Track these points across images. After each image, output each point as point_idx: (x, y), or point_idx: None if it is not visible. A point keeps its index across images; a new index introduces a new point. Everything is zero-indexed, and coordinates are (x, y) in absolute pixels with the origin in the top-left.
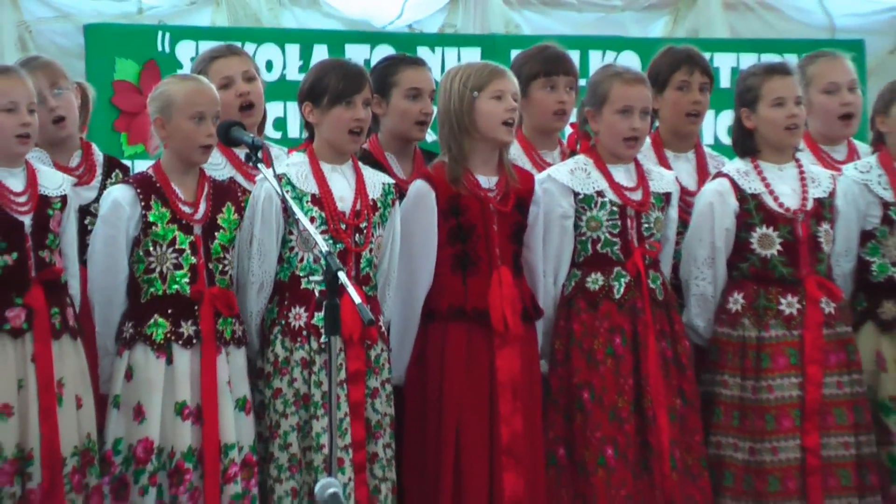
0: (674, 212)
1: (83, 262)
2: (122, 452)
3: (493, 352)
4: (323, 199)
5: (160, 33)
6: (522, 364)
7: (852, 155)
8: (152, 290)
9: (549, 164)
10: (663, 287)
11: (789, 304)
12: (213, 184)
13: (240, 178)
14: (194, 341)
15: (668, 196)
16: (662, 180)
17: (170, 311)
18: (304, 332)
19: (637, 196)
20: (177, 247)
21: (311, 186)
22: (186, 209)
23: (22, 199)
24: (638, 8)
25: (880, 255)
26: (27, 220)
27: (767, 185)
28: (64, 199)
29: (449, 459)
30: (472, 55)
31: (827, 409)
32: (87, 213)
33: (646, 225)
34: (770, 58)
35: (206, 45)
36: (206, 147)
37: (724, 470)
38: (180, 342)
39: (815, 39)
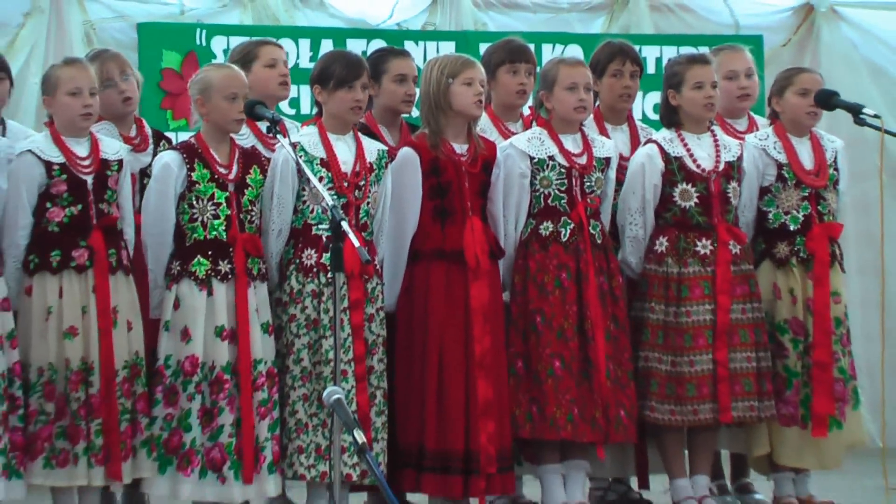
0: (612, 173)
1: (139, 213)
2: (172, 367)
3: (467, 284)
4: (329, 163)
5: (198, 30)
6: (490, 294)
7: (752, 126)
8: (195, 235)
9: (514, 133)
10: (602, 233)
11: (704, 246)
12: (242, 150)
13: (260, 147)
14: (229, 277)
15: (608, 160)
16: (604, 147)
17: (209, 253)
18: (315, 269)
19: (582, 160)
20: (215, 201)
21: (320, 152)
22: (223, 170)
23: (86, 163)
24: (581, 10)
25: (775, 206)
26: (90, 179)
27: (688, 150)
28: (121, 162)
29: (433, 371)
30: (448, 48)
31: (733, 330)
32: (143, 174)
33: (588, 183)
34: (687, 50)
35: (235, 40)
36: (238, 121)
37: (651, 379)
38: (218, 277)
39: (722, 35)
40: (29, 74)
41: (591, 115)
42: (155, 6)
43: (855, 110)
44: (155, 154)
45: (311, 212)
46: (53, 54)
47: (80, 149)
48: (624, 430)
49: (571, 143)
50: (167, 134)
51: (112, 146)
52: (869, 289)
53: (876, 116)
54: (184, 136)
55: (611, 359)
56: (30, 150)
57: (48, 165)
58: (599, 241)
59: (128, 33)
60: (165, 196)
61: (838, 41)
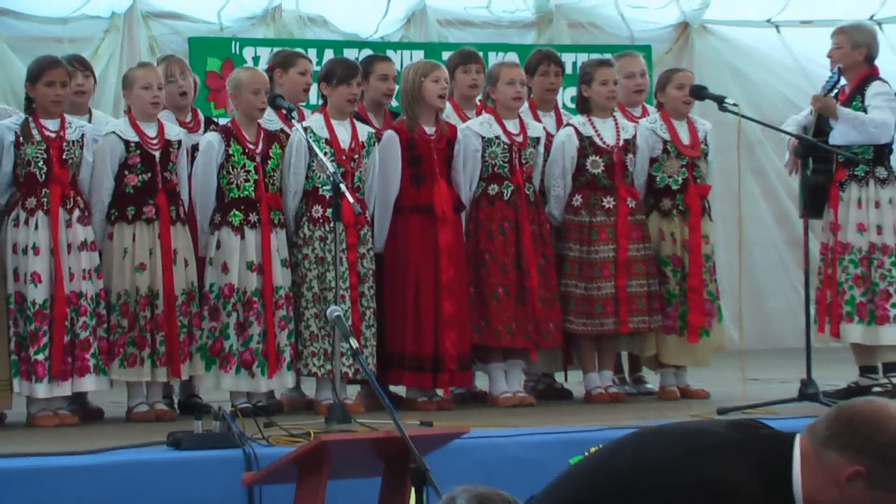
0: (541, 148)
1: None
2: (215, 292)
3: (436, 230)
4: (332, 141)
5: (233, 42)
6: (453, 237)
7: (644, 113)
8: (231, 194)
9: (470, 119)
10: (534, 193)
11: (608, 202)
12: (266, 131)
13: (285, 128)
14: (257, 225)
15: (538, 139)
16: (535, 129)
17: (242, 207)
18: (321, 220)
19: (519, 139)
20: (245, 169)
21: (324, 133)
22: (251, 146)
23: (154, 142)
24: (517, 26)
25: (661, 172)
26: (157, 154)
27: (596, 131)
28: (179, 142)
29: (410, 295)
30: (419, 55)
31: (630, 264)
32: (194, 149)
33: (524, 156)
34: (596, 56)
35: (261, 51)
36: (261, 109)
37: (570, 300)
38: (248, 225)
39: (622, 45)
40: (108, 76)
41: (526, 104)
42: (201, 24)
43: (719, 100)
44: (202, 134)
45: (318, 178)
46: (126, 61)
47: (150, 131)
48: (552, 339)
49: (512, 126)
50: (215, 121)
51: (173, 130)
52: (730, 233)
53: (735, 105)
54: (222, 122)
55: (541, 286)
56: (113, 132)
57: (127, 143)
58: (532, 199)
59: (181, 45)
60: (209, 166)
61: (707, 49)
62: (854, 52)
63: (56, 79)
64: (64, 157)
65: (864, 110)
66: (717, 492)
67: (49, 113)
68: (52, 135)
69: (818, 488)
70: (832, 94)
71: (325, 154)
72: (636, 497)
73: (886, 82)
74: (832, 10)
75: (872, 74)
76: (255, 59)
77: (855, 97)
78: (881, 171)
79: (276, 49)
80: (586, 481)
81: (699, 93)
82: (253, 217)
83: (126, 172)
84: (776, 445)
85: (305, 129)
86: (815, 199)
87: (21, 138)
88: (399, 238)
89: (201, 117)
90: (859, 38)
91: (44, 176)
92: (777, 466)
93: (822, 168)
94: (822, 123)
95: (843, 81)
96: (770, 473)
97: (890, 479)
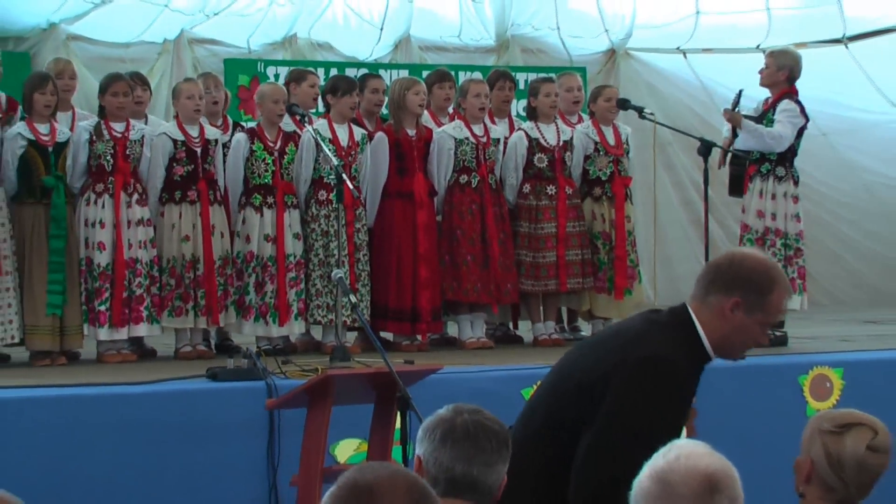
0: (501, 146)
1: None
2: (240, 258)
3: (415, 212)
4: (334, 140)
5: (259, 63)
6: (427, 217)
7: (580, 120)
8: (254, 181)
9: (444, 125)
10: (495, 182)
11: (551, 189)
12: (283, 132)
13: (298, 130)
14: (273, 206)
15: (498, 140)
16: (496, 131)
17: (262, 191)
18: (325, 202)
19: (484, 140)
20: (266, 162)
21: (328, 134)
22: (271, 144)
23: (196, 140)
24: (481, 51)
25: (593, 166)
26: (199, 150)
27: (541, 134)
28: (216, 141)
29: (394, 261)
30: (404, 73)
31: (568, 238)
32: (225, 146)
33: (487, 153)
34: (542, 75)
35: (282, 69)
36: (280, 115)
37: (521, 266)
38: (267, 206)
39: (563, 66)
40: (161, 89)
41: (487, 113)
42: (234, 48)
43: (639, 110)
44: (232, 135)
45: (324, 169)
46: (174, 77)
47: (193, 132)
48: (508, 296)
49: (478, 129)
50: (242, 124)
51: (212, 131)
52: (647, 214)
53: (651, 113)
54: (250, 125)
55: (501, 255)
56: (164, 133)
57: (175, 141)
58: (493, 187)
59: (217, 65)
60: (237, 159)
61: (629, 71)
62: (778, 72)
63: (120, 90)
64: (127, 152)
65: (771, 122)
66: (656, 363)
67: (116, 118)
68: (119, 135)
69: (716, 329)
70: (737, 108)
71: (329, 150)
72: (594, 390)
73: (797, 101)
74: (728, 41)
75: (790, 93)
76: (276, 76)
77: (771, 110)
78: (780, 171)
79: (291, 68)
80: (549, 391)
81: (623, 104)
82: (270, 200)
83: (174, 164)
84: (678, 317)
85: (315, 130)
86: (734, 185)
87: (94, 137)
88: (386, 217)
89: (230, 122)
90: (783, 62)
91: (110, 167)
92: (686, 331)
93: (739, 163)
94: (736, 131)
95: (758, 103)
96: (685, 338)
97: (761, 301)
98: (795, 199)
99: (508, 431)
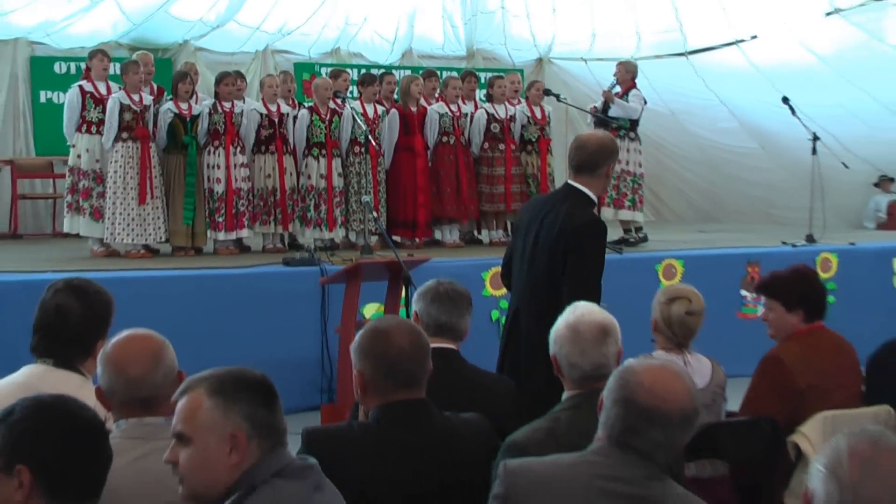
0: (468, 119)
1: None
2: (304, 188)
3: (416, 159)
4: (364, 114)
5: (315, 65)
6: (424, 163)
7: (519, 102)
8: (312, 140)
9: (432, 104)
10: (466, 141)
11: (501, 146)
12: (330, 109)
13: (338, 108)
14: (325, 155)
15: (467, 115)
16: (466, 109)
17: (318, 146)
18: (359, 153)
19: (458, 114)
20: (320, 127)
21: (360, 110)
22: (323, 116)
23: (275, 113)
24: (457, 58)
25: (527, 132)
26: (276, 120)
27: (496, 111)
28: (288, 114)
29: (401, 191)
30: (408, 72)
31: (512, 177)
32: (294, 118)
33: (460, 123)
34: (496, 73)
35: (329, 69)
36: (328, 98)
37: (482, 195)
38: (321, 156)
39: (509, 69)
40: (254, 82)
41: (460, 97)
42: (299, 56)
43: (556, 96)
44: (299, 111)
45: (358, 132)
46: (261, 73)
47: (273, 108)
48: (473, 214)
49: (454, 108)
50: (304, 104)
51: (285, 108)
52: (561, 162)
53: (564, 98)
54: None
55: (468, 188)
56: (255, 109)
57: (261, 114)
58: (464, 144)
59: (289, 66)
60: (302, 126)
61: (551, 72)
62: (627, 74)
63: (229, 83)
64: (233, 121)
65: (627, 101)
66: (599, 224)
67: (225, 99)
68: (227, 110)
69: (595, 189)
70: (613, 90)
71: (360, 120)
72: (558, 248)
73: (639, 90)
74: (612, 53)
75: (634, 85)
76: (326, 73)
77: (625, 95)
78: (631, 134)
79: (333, 68)
80: (519, 259)
81: (547, 92)
82: (323, 152)
83: (261, 129)
84: (574, 191)
85: (352, 108)
86: None
87: (212, 111)
88: (396, 163)
89: (296, 102)
90: (630, 68)
91: (222, 130)
92: (584, 197)
93: (606, 126)
94: (606, 106)
95: (617, 87)
96: (587, 201)
97: (611, 162)
98: (639, 152)
99: (471, 294)
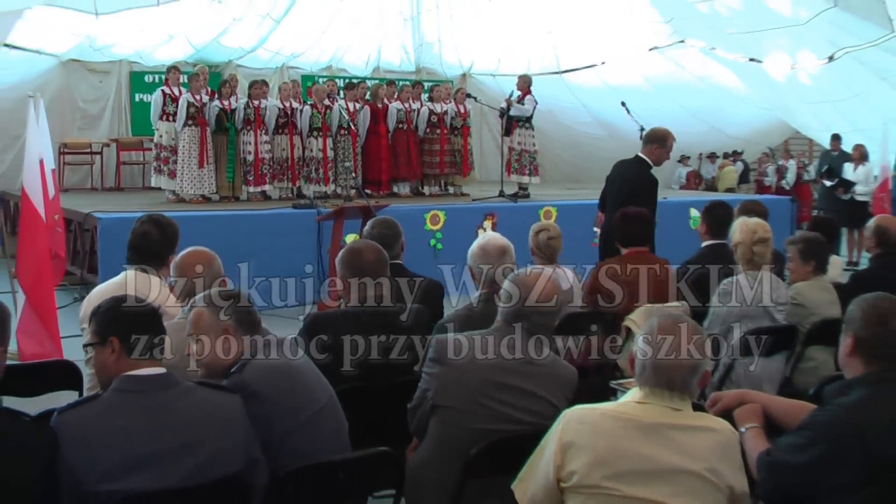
0: (416, 112)
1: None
2: (307, 157)
3: (380, 140)
4: (347, 109)
5: (315, 77)
6: (387, 142)
7: (450, 102)
8: (312, 126)
9: (393, 103)
10: (415, 128)
11: (438, 131)
12: (325, 106)
13: (330, 105)
14: (321, 136)
15: (416, 110)
16: (415, 106)
17: (316, 130)
18: (343, 135)
19: (409, 109)
20: (317, 118)
21: (345, 106)
22: (319, 110)
23: (288, 108)
24: (408, 73)
25: (454, 122)
26: (289, 112)
27: (434, 108)
28: (296, 108)
29: (372, 159)
30: (376, 82)
31: (445, 151)
32: (301, 112)
33: (411, 116)
34: (435, 83)
35: (323, 80)
36: (323, 98)
37: (425, 164)
38: (318, 136)
39: (444, 80)
40: (273, 87)
41: (411, 98)
42: (303, 70)
43: (475, 98)
44: (303, 106)
45: (344, 120)
46: (279, 82)
47: (287, 104)
48: (418, 175)
49: (407, 106)
50: (307, 101)
51: (295, 105)
52: (477, 143)
53: (478, 99)
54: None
55: (416, 158)
56: (275, 104)
57: (278, 108)
58: (414, 129)
59: (298, 77)
60: (306, 117)
61: (471, 83)
62: (525, 84)
63: (257, 88)
64: (260, 113)
65: (524, 104)
66: (653, 178)
67: (255, 99)
68: (256, 106)
69: (656, 159)
70: (512, 97)
71: (344, 113)
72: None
73: (533, 95)
74: (512, 69)
75: (529, 92)
76: (322, 81)
77: (523, 101)
78: (527, 125)
79: (325, 79)
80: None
81: (468, 95)
82: (320, 134)
83: (278, 118)
84: (640, 158)
85: (339, 105)
86: (507, 131)
87: (246, 107)
88: (368, 142)
89: (302, 101)
90: (527, 80)
91: (252, 119)
92: (647, 163)
93: (510, 120)
94: (509, 108)
95: (516, 94)
96: (648, 167)
97: (668, 143)
98: (533, 136)
99: (401, 226)
